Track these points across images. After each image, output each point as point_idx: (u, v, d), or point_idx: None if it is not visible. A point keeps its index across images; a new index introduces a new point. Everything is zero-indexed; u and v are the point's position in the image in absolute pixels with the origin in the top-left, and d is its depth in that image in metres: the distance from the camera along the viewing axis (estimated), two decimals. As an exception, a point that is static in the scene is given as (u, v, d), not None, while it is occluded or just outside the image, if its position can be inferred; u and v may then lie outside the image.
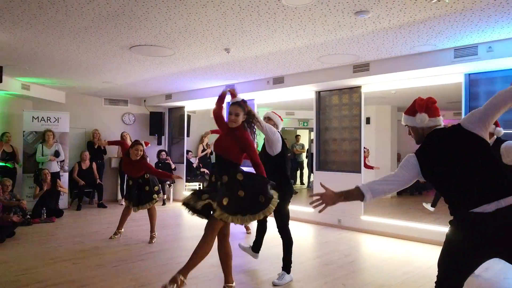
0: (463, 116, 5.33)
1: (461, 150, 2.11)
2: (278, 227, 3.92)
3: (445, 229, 5.35)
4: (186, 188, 9.68)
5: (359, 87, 6.36)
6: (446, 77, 5.40)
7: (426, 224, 5.71)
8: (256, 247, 4.38)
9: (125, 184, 5.46)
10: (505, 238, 1.93)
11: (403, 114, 2.44)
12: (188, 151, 9.86)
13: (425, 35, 4.34)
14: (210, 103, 8.83)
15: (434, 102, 2.34)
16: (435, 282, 2.22)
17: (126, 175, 5.46)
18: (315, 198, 2.32)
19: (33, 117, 8.06)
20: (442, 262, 2.17)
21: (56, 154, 7.66)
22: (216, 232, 3.24)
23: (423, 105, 2.31)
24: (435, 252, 4.97)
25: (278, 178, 3.58)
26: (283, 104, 9.15)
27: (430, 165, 2.19)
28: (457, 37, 4.41)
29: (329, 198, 2.33)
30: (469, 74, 5.20)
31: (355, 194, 2.30)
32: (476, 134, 2.10)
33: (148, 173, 5.39)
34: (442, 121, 2.34)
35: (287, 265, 3.90)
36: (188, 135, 9.90)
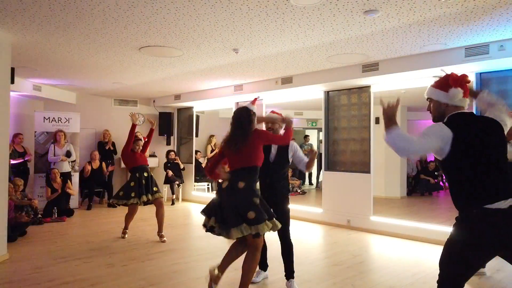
0: (474, 115, 5.27)
1: (495, 142, 2.07)
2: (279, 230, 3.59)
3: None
4: (195, 188, 9.72)
5: (369, 86, 6.32)
6: (457, 76, 5.33)
7: (436, 225, 5.65)
8: (263, 265, 4.03)
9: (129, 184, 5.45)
10: None
11: (430, 86, 2.30)
12: (196, 151, 9.89)
13: (435, 34, 4.30)
14: (218, 104, 8.88)
15: (469, 82, 2.23)
16: (438, 282, 2.15)
17: (133, 173, 5.48)
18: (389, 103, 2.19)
19: (44, 117, 8.17)
20: (448, 261, 2.11)
21: (68, 154, 7.75)
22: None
23: (459, 80, 2.19)
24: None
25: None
26: (292, 104, 9.12)
27: (466, 144, 2.04)
28: (468, 35, 4.36)
29: (393, 111, 2.21)
30: (481, 73, 5.13)
31: (394, 122, 2.15)
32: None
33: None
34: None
35: (290, 271, 3.68)
36: (196, 135, 9.94)
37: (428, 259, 4.71)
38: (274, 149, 3.65)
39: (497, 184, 1.99)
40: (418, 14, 3.70)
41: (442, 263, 2.14)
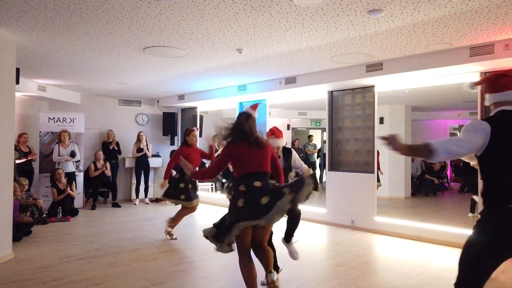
0: (478, 115, 5.25)
1: None
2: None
3: (459, 230, 5.29)
4: (199, 188, 9.72)
5: (373, 86, 6.30)
6: (462, 76, 5.31)
7: (440, 225, 5.62)
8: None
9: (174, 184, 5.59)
10: None
11: (487, 93, 2.40)
12: (200, 151, 9.90)
13: (440, 33, 4.28)
14: (222, 104, 8.89)
15: None
16: (455, 284, 2.15)
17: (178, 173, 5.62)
18: (385, 135, 2.17)
19: (49, 117, 8.21)
20: (468, 260, 2.12)
21: (72, 154, 7.79)
22: None
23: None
24: (450, 254, 4.90)
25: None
26: (295, 104, 9.13)
27: (503, 139, 2.09)
28: (472, 35, 4.33)
29: (396, 141, 2.16)
30: (486, 73, 5.09)
31: (422, 149, 2.11)
32: None
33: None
34: None
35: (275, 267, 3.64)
36: (200, 136, 9.93)
37: (432, 260, 4.69)
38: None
39: None
40: (422, 13, 3.68)
41: (461, 262, 2.14)
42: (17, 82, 4.85)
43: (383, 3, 3.44)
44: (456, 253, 4.81)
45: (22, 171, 7.14)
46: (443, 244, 5.31)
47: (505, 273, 4.08)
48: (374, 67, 5.67)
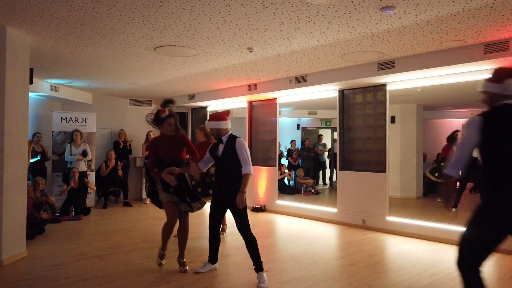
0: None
1: None
2: (237, 225, 3.78)
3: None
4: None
5: (384, 85, 6.24)
6: (475, 74, 5.23)
7: (453, 225, 5.54)
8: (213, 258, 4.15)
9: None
10: None
11: (486, 81, 2.58)
12: (210, 151, 9.92)
13: (454, 30, 4.22)
14: (232, 103, 8.89)
15: None
16: (459, 264, 2.47)
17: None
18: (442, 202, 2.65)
19: (61, 117, 8.31)
20: (478, 232, 2.41)
21: (84, 153, 7.86)
22: None
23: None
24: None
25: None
26: (306, 103, 9.09)
27: (498, 130, 2.36)
28: (487, 32, 4.26)
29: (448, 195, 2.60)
30: (500, 71, 5.01)
31: (450, 183, 2.52)
32: None
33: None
34: None
35: (258, 264, 3.72)
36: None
37: (446, 260, 4.62)
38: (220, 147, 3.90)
39: None
40: (436, 10, 3.63)
41: (463, 241, 2.48)
42: (31, 82, 4.91)
43: (396, 0, 3.40)
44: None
45: (36, 170, 7.24)
46: (456, 244, 5.23)
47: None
48: (386, 66, 5.61)
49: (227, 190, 3.78)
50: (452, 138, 7.89)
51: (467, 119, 2.47)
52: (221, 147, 3.87)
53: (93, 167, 8.44)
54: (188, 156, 4.24)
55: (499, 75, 2.50)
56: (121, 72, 6.66)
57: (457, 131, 8.07)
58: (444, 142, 8.22)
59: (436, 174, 8.02)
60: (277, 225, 6.95)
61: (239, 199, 3.67)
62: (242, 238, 3.77)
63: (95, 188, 7.94)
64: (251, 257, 3.75)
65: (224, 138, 3.89)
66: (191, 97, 9.24)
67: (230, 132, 3.96)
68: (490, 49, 4.59)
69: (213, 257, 4.10)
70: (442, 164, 7.87)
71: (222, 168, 3.88)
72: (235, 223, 3.80)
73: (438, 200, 6.87)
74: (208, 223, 3.98)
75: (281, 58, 5.59)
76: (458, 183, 8.67)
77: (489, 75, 2.59)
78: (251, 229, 3.78)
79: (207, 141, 5.36)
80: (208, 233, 4.02)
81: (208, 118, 4.02)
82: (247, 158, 3.75)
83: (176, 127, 4.10)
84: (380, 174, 6.30)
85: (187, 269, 4.05)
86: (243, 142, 3.82)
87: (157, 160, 4.09)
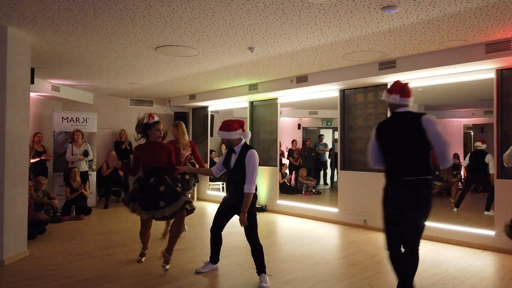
0: (494, 113, 5.15)
1: (400, 135, 3.03)
2: (246, 232, 3.71)
3: (474, 230, 5.22)
4: (210, 188, 9.76)
5: (385, 84, 6.23)
6: (477, 73, 5.22)
7: (455, 225, 5.53)
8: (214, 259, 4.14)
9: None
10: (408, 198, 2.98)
11: (385, 92, 3.20)
12: (211, 151, 9.93)
13: (455, 29, 4.21)
14: (233, 103, 8.89)
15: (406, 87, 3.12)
16: (384, 228, 3.12)
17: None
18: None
19: (62, 117, 8.31)
20: (383, 216, 3.15)
21: (85, 153, 7.87)
22: None
23: (400, 87, 3.10)
24: (465, 254, 4.83)
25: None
26: (307, 103, 9.08)
27: (380, 136, 3.17)
28: (489, 31, 4.25)
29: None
30: (502, 70, 5.01)
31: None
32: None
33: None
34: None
35: (262, 267, 3.70)
36: (211, 135, 9.98)
37: (447, 259, 4.62)
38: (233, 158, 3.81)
39: (401, 165, 3.02)
40: (437, 9, 3.62)
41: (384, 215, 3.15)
42: (32, 82, 4.92)
43: (397, -1, 3.40)
44: (472, 254, 4.77)
45: (37, 170, 7.24)
46: (458, 244, 5.23)
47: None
48: (387, 65, 5.60)
49: (236, 201, 3.68)
50: None
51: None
52: (233, 158, 3.77)
53: (94, 167, 8.45)
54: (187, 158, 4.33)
55: (393, 87, 3.12)
56: (122, 72, 6.67)
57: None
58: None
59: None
60: (278, 225, 6.95)
61: (241, 219, 3.60)
62: (242, 236, 3.75)
63: (88, 195, 7.85)
64: (255, 262, 3.71)
65: (237, 149, 3.76)
66: (192, 97, 9.24)
67: (243, 142, 3.80)
68: (492, 49, 4.58)
69: (215, 257, 4.09)
70: (437, 172, 7.94)
71: (233, 179, 3.76)
72: (243, 229, 3.72)
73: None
74: (212, 224, 3.97)
75: (282, 58, 5.58)
76: (460, 184, 8.69)
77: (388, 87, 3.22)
78: (258, 237, 3.72)
79: (173, 140, 5.47)
80: (208, 233, 4.01)
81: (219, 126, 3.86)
82: (251, 175, 3.60)
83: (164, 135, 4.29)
84: (381, 174, 6.25)
85: (168, 268, 4.00)
86: (254, 157, 3.66)
87: (137, 166, 4.24)
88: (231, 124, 3.77)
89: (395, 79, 5.91)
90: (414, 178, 2.92)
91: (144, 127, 4.18)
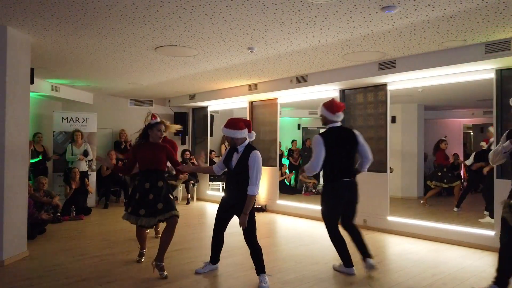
0: (494, 113, 5.16)
1: (343, 144, 3.96)
2: (244, 235, 3.68)
3: (474, 230, 5.22)
4: (209, 188, 9.76)
5: (385, 84, 6.23)
6: (476, 73, 5.22)
7: (454, 225, 5.53)
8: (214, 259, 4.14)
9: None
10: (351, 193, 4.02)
11: (322, 106, 4.14)
12: (211, 151, 9.93)
13: (455, 30, 4.21)
14: (233, 103, 8.89)
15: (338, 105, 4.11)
16: (326, 227, 4.06)
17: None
18: None
19: (62, 117, 8.31)
20: (331, 207, 4.05)
21: (85, 153, 7.87)
22: None
23: (331, 105, 4.04)
24: (465, 254, 4.83)
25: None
26: (306, 103, 9.08)
27: (328, 146, 3.88)
28: (488, 31, 4.25)
29: None
30: (501, 70, 5.01)
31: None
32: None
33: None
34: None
35: (261, 268, 3.69)
36: (211, 135, 9.98)
37: (447, 260, 4.62)
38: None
39: (344, 170, 3.94)
40: (437, 9, 3.62)
41: (326, 211, 4.07)
42: (32, 82, 4.91)
43: (397, -1, 3.40)
44: (472, 254, 4.77)
45: (37, 170, 7.24)
46: (458, 244, 5.23)
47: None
48: (387, 65, 5.61)
49: (236, 201, 3.65)
50: (437, 146, 8.24)
51: (314, 138, 3.95)
52: (235, 158, 3.69)
53: (94, 167, 8.45)
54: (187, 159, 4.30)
55: (329, 104, 4.04)
56: (122, 72, 6.67)
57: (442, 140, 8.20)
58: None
59: (433, 182, 8.12)
60: (278, 225, 6.95)
61: (241, 220, 3.56)
62: (241, 236, 3.75)
63: (92, 191, 7.90)
64: (255, 264, 3.70)
65: (240, 148, 3.70)
66: (192, 97, 9.24)
67: (247, 142, 3.75)
68: (491, 49, 4.59)
69: (215, 258, 4.09)
70: (439, 173, 7.97)
71: (234, 180, 3.71)
72: (242, 232, 3.70)
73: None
74: (214, 226, 3.97)
75: (281, 58, 5.58)
76: (465, 184, 8.71)
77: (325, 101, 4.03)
78: (257, 239, 3.69)
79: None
80: (209, 233, 4.01)
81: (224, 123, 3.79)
82: (255, 177, 3.55)
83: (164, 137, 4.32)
84: (381, 174, 6.29)
85: (166, 274, 3.88)
86: (258, 158, 3.60)
87: (132, 164, 4.19)
88: (237, 123, 3.72)
89: (395, 79, 6.01)
90: (352, 179, 4.00)
91: (145, 127, 4.19)
